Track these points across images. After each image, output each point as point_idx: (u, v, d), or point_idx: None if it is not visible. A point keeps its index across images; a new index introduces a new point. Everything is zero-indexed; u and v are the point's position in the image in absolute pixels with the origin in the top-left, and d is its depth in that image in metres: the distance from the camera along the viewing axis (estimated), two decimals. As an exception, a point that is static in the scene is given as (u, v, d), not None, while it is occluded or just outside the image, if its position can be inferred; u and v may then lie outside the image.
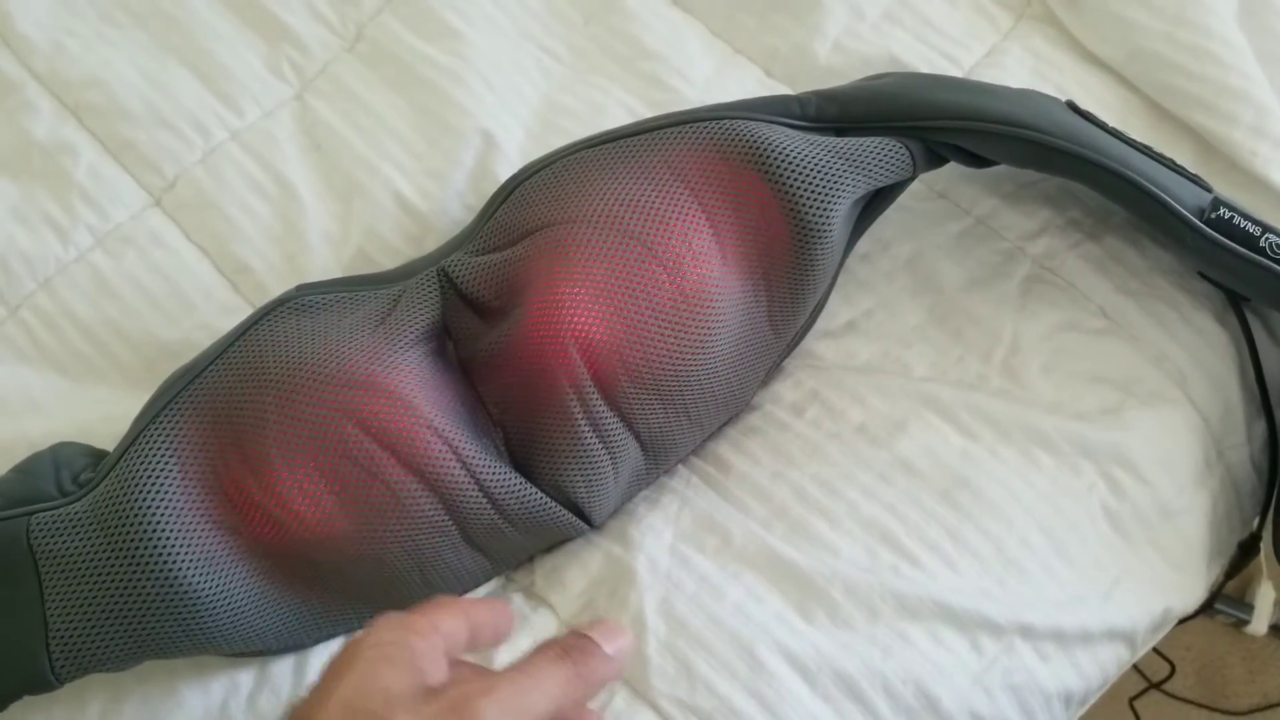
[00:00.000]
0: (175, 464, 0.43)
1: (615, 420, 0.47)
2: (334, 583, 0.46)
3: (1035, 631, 0.49)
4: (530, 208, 0.48)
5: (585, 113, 0.60)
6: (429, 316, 0.47)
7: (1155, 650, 0.72)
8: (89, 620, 0.42)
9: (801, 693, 0.47)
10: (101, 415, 0.53)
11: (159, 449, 0.44)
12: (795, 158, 0.46)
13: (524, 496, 0.46)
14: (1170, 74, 0.57)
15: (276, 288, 0.56)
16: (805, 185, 0.46)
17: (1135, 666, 0.73)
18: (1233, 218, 0.47)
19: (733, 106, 0.49)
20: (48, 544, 0.43)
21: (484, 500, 0.45)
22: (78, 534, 0.43)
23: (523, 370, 0.46)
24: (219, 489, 0.43)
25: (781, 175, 0.46)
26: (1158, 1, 0.58)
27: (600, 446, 0.47)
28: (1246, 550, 0.60)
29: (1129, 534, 0.52)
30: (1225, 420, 0.54)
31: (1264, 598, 0.98)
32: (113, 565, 0.42)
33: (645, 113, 0.60)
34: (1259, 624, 0.99)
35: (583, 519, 0.49)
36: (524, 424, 0.47)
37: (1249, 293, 0.50)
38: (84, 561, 0.42)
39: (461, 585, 0.50)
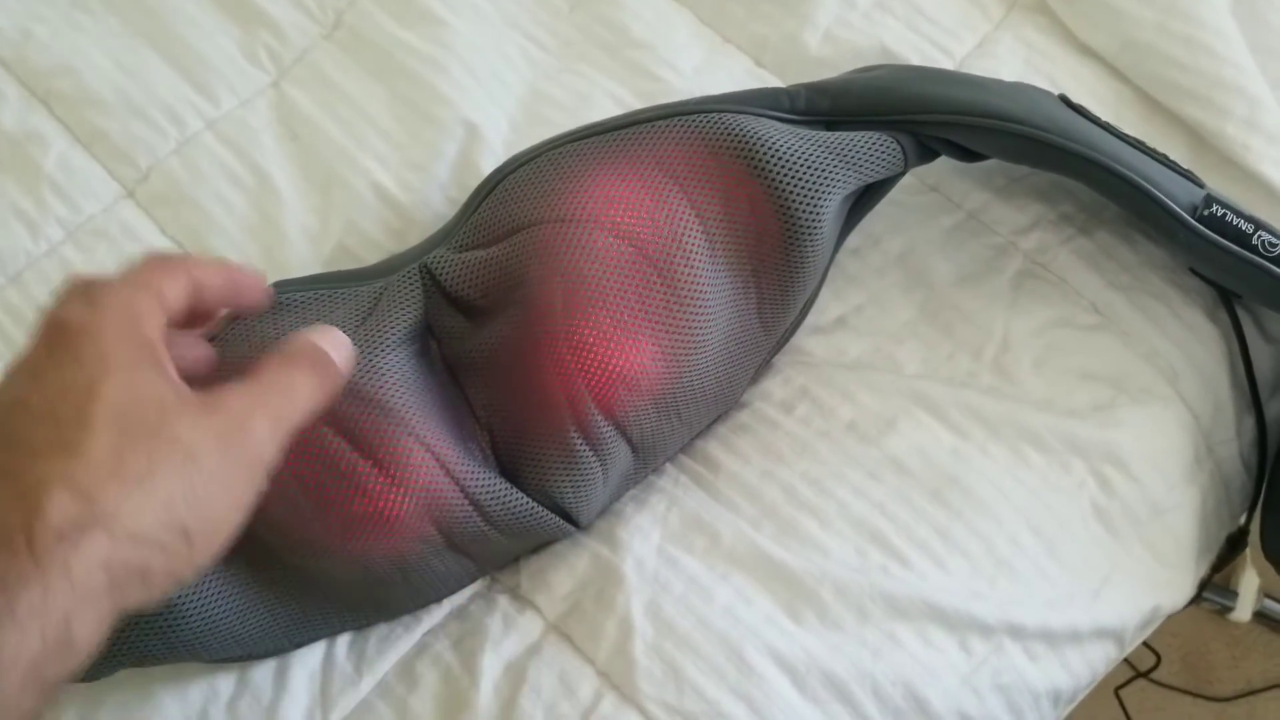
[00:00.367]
0: None
1: (609, 428, 0.46)
2: (314, 589, 0.45)
3: (1025, 631, 0.49)
4: (516, 203, 0.47)
5: (571, 103, 0.59)
6: (411, 316, 0.46)
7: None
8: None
9: (790, 695, 0.46)
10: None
11: None
12: (785, 153, 0.45)
13: (511, 503, 0.45)
14: (1162, 65, 0.56)
15: (254, 282, 0.55)
16: (795, 181, 0.45)
17: (1122, 657, 0.73)
18: (1225, 214, 0.47)
19: (721, 99, 0.48)
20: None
21: (470, 508, 0.44)
22: None
23: (513, 378, 0.45)
24: None
25: (771, 171, 0.45)
26: (1151, -9, 0.57)
27: (591, 454, 0.46)
28: (1234, 544, 0.60)
29: (1119, 532, 0.51)
30: (1215, 416, 0.54)
31: (1248, 585, 0.98)
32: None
33: (632, 103, 0.59)
34: (1243, 611, 1.00)
35: (570, 522, 0.48)
36: (513, 429, 0.46)
37: (1241, 290, 0.50)
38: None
39: (446, 587, 0.49)
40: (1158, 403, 0.53)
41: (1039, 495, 0.51)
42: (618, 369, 0.45)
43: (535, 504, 0.46)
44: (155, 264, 0.33)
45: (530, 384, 0.45)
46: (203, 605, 0.42)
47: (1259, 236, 0.46)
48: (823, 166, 0.46)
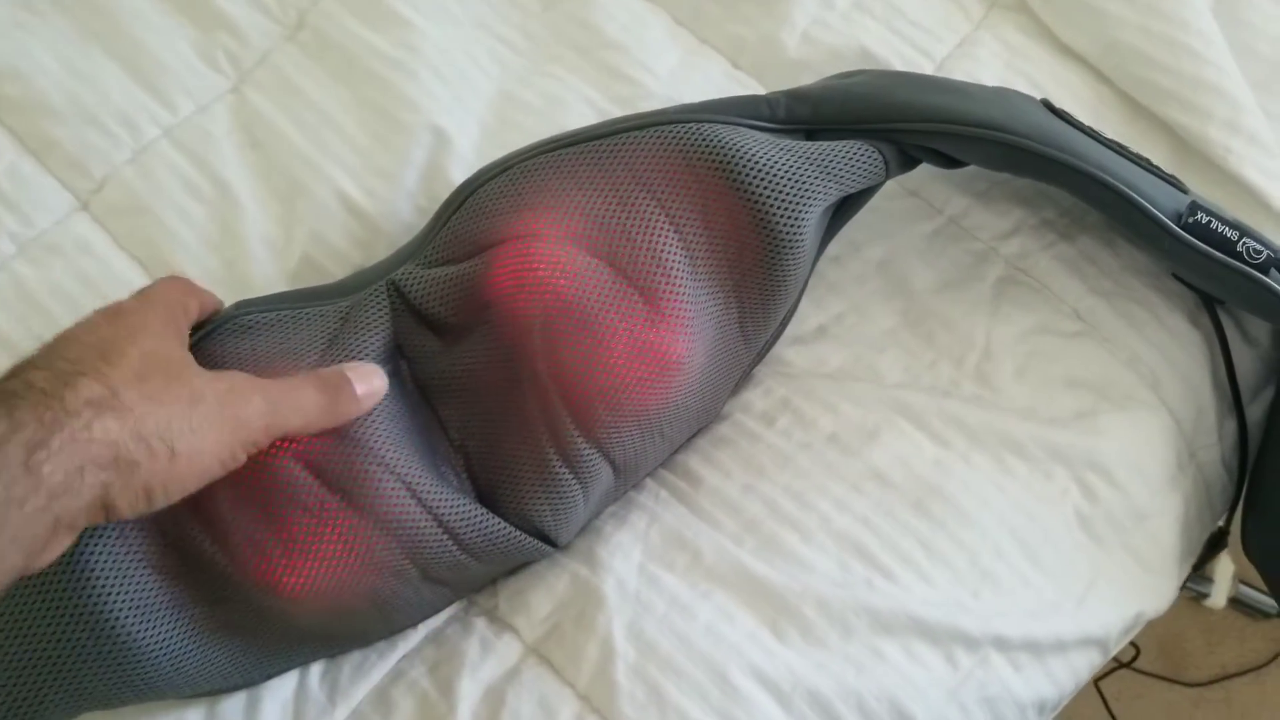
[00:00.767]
0: None
1: (590, 450, 0.45)
2: (284, 622, 0.43)
3: (1010, 643, 0.48)
4: (488, 218, 0.45)
5: (543, 106, 0.57)
6: (380, 337, 0.44)
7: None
8: (21, 676, 0.39)
9: (775, 715, 0.45)
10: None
11: None
12: (764, 165, 0.44)
13: (487, 529, 0.44)
14: (1144, 67, 0.56)
15: (217, 297, 0.54)
16: (774, 194, 0.44)
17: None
18: (1210, 222, 0.46)
19: (699, 108, 0.46)
20: (-28, 593, 0.40)
21: (445, 537, 0.43)
22: None
23: (489, 400, 0.44)
24: (158, 531, 0.40)
25: (750, 184, 0.44)
26: (1132, -9, 0.56)
27: (571, 476, 0.45)
28: (1214, 544, 0.60)
29: (1102, 539, 0.51)
30: (1198, 421, 0.54)
31: (1223, 572, 0.99)
32: (45, 616, 0.39)
33: (606, 106, 0.57)
34: (1218, 597, 1.00)
35: (549, 543, 0.47)
36: (488, 451, 0.45)
37: (1226, 296, 0.49)
38: (13, 613, 0.39)
39: (422, 615, 0.48)
40: (1140, 409, 0.52)
41: (1022, 504, 0.50)
42: (599, 391, 0.44)
43: (513, 528, 0.45)
44: (187, 282, 0.43)
45: (506, 405, 0.44)
46: (168, 646, 0.40)
47: (1244, 244, 0.46)
48: (803, 178, 0.44)
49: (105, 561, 0.39)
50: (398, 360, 0.46)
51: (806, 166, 0.45)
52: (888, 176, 0.47)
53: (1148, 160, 0.49)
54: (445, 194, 0.49)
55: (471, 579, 0.47)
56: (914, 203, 0.56)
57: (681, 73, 0.59)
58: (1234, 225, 0.47)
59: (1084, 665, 0.51)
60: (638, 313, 0.43)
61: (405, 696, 0.47)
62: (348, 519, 0.41)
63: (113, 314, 0.38)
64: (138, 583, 0.40)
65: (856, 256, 0.55)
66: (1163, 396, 0.53)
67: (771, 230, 0.44)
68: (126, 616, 0.39)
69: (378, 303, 0.45)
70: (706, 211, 0.44)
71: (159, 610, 0.40)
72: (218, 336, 0.44)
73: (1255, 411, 0.55)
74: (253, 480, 0.40)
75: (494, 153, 0.50)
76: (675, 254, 0.44)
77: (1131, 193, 0.45)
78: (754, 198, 0.44)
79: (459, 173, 0.55)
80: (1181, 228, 0.46)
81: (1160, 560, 0.53)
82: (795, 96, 0.48)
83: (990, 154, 0.47)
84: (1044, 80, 0.58)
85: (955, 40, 0.59)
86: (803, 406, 0.52)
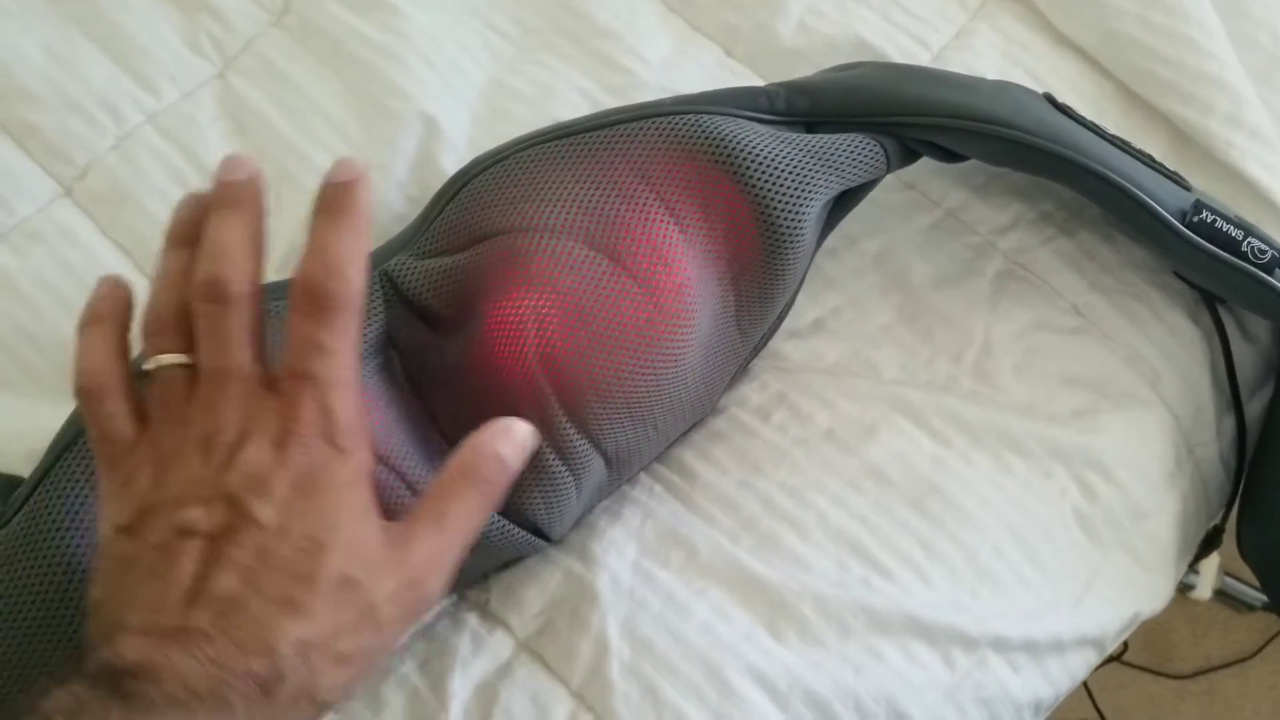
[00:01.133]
0: (96, 499, 0.39)
1: (582, 441, 0.44)
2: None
3: (1008, 643, 0.48)
4: (482, 209, 0.44)
5: (535, 95, 0.56)
6: (374, 329, 0.43)
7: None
8: (3, 675, 0.38)
9: (772, 716, 0.45)
10: (11, 430, 0.48)
11: (78, 481, 0.40)
12: (765, 157, 0.43)
13: (480, 523, 0.43)
14: (1144, 58, 0.55)
15: (202, 287, 0.52)
16: (776, 187, 0.43)
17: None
18: (1215, 221, 0.46)
19: (698, 99, 0.46)
20: (-47, 590, 0.39)
21: None
22: None
23: (481, 391, 0.43)
24: None
25: (751, 176, 0.43)
26: (1131, -18, 0.56)
27: (564, 469, 0.44)
28: (1209, 542, 0.60)
29: (1100, 538, 0.51)
30: (1196, 418, 0.54)
31: (1209, 564, 1.00)
32: (30, 614, 0.38)
33: (599, 96, 0.56)
34: (1204, 589, 1.01)
35: (542, 537, 0.47)
36: None
37: (1228, 295, 0.49)
38: (-3, 611, 0.38)
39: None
40: (1139, 406, 0.52)
41: (1021, 503, 0.50)
42: (591, 383, 0.43)
43: (506, 521, 0.45)
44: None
45: (499, 398, 0.43)
46: None
47: (1249, 243, 0.45)
48: (804, 171, 0.44)
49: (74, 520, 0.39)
50: (389, 351, 0.45)
51: (807, 159, 0.44)
52: (888, 170, 0.47)
53: (1150, 156, 0.48)
54: (436, 184, 0.48)
55: (463, 572, 0.46)
56: (911, 196, 0.56)
57: (674, 61, 0.58)
58: (1238, 224, 0.46)
59: (1081, 665, 0.51)
60: (634, 303, 0.43)
61: (395, 693, 0.46)
62: None
63: (303, 491, 0.34)
64: None
65: (853, 250, 0.55)
66: (1161, 394, 0.53)
67: (772, 223, 0.44)
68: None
69: (371, 295, 0.44)
70: (706, 204, 0.44)
71: None
72: None
73: (1254, 409, 0.55)
74: None
75: (485, 142, 0.49)
76: (673, 244, 0.43)
77: (1136, 190, 0.45)
78: (755, 190, 0.43)
79: (450, 162, 0.54)
80: (1186, 226, 0.46)
81: (1158, 559, 0.52)
82: (794, 89, 0.47)
83: (994, 149, 0.46)
84: (1042, 71, 0.57)
85: (952, 31, 0.59)
86: (799, 402, 0.52)
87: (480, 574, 0.48)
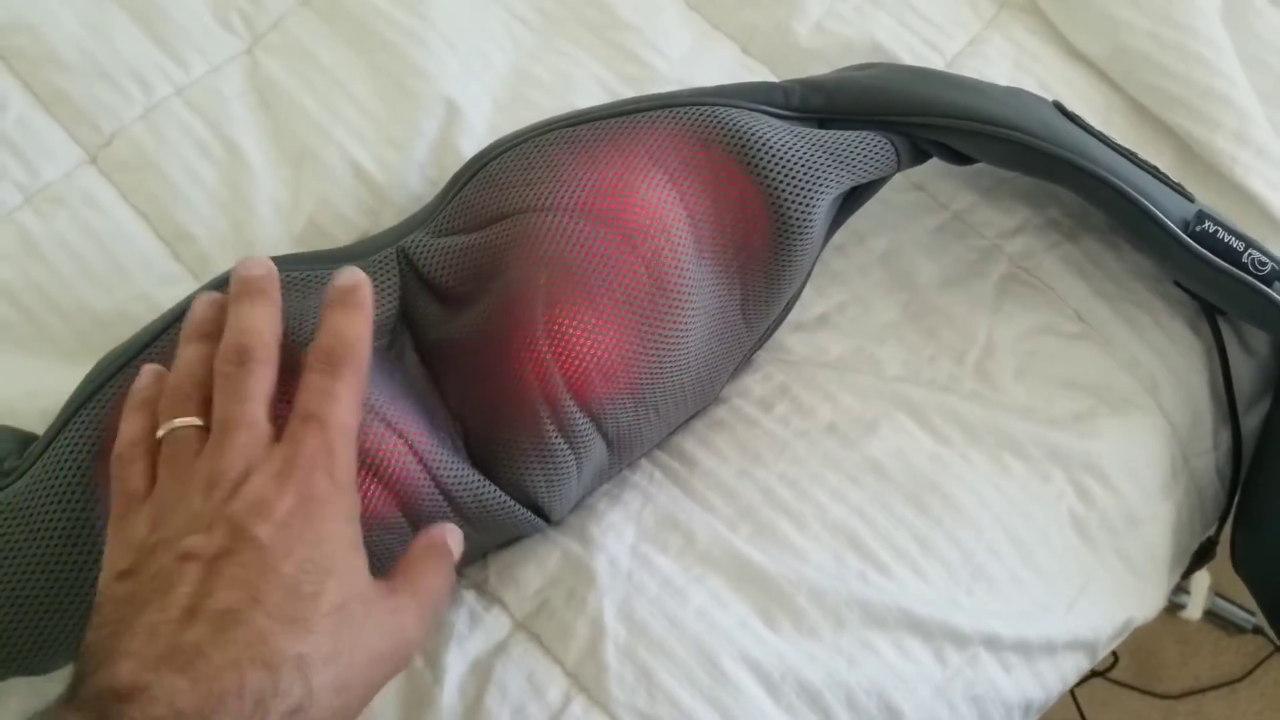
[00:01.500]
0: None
1: (585, 421, 0.45)
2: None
3: (1000, 642, 0.48)
4: (500, 189, 0.45)
5: (555, 84, 0.57)
6: (389, 304, 0.44)
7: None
8: (11, 625, 0.39)
9: (764, 703, 0.45)
10: (27, 390, 0.49)
11: (90, 440, 0.41)
12: (779, 150, 0.44)
13: (483, 495, 0.44)
14: (1154, 74, 0.56)
15: (221, 257, 0.53)
16: (788, 179, 0.44)
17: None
18: (1217, 231, 0.46)
19: (715, 92, 0.46)
20: (-35, 541, 0.40)
21: (441, 499, 0.43)
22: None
23: (489, 368, 0.43)
24: None
25: (764, 168, 0.44)
26: (1145, -2, 0.57)
27: (566, 448, 0.45)
28: (1203, 554, 0.60)
29: (1095, 543, 0.51)
30: (1193, 428, 0.54)
31: (1199, 584, 1.00)
32: (40, 567, 0.39)
33: (617, 87, 0.57)
34: (1194, 609, 1.01)
35: (542, 517, 0.47)
36: (486, 420, 0.45)
37: (1227, 306, 0.50)
38: (7, 562, 0.39)
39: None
40: (1137, 413, 0.53)
41: (1018, 504, 0.51)
42: (596, 360, 0.44)
43: (508, 498, 0.45)
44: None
45: (506, 374, 0.44)
46: None
47: (1249, 255, 0.46)
48: (816, 165, 0.45)
49: (101, 515, 0.39)
50: (401, 326, 0.45)
51: (820, 154, 0.45)
52: (899, 168, 0.47)
53: (1155, 167, 0.49)
54: (455, 167, 0.49)
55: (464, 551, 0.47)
56: (919, 196, 0.57)
57: (692, 57, 0.59)
58: (1240, 236, 0.47)
59: (1071, 669, 0.51)
60: (640, 283, 0.44)
61: (392, 666, 0.47)
62: None
63: (305, 516, 0.35)
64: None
65: (860, 247, 0.55)
66: (1160, 402, 0.53)
67: (783, 215, 0.45)
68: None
69: (388, 270, 0.45)
70: (718, 193, 0.44)
71: None
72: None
73: (1250, 422, 0.56)
74: None
75: (505, 127, 0.50)
76: (683, 230, 0.44)
77: (1141, 198, 0.46)
78: (768, 182, 0.44)
79: (469, 146, 0.54)
80: (1189, 235, 0.46)
81: (1151, 566, 0.53)
82: (810, 85, 0.48)
83: (1003, 152, 0.47)
84: (1052, 82, 0.58)
85: (966, 38, 0.59)
86: (801, 394, 0.52)
87: (480, 552, 0.49)
